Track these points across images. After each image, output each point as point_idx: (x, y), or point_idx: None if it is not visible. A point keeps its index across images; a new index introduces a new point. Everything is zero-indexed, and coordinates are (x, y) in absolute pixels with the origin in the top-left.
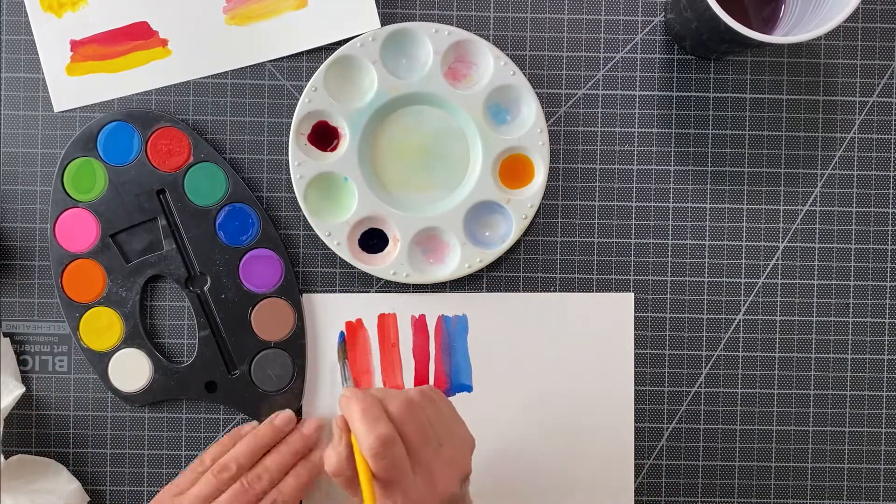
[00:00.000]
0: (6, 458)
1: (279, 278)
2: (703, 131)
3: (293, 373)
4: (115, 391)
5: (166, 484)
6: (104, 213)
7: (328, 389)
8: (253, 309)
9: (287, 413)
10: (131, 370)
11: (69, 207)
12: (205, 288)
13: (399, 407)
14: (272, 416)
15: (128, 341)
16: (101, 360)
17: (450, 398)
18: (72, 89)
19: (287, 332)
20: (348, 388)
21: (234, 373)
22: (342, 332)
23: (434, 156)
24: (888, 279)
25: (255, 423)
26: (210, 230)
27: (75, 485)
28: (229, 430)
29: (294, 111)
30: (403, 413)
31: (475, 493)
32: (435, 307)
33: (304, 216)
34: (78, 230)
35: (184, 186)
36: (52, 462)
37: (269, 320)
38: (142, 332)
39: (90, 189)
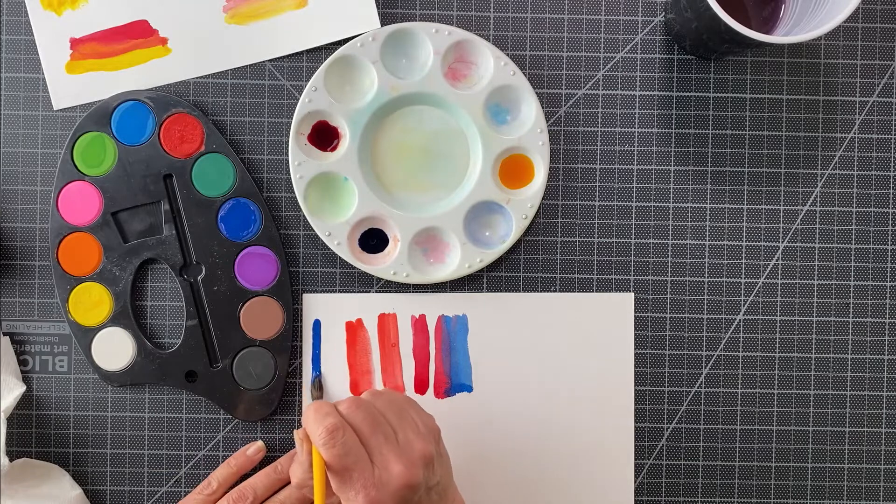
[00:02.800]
0: (10, 458)
1: (273, 278)
2: (703, 131)
3: (274, 373)
4: (96, 368)
5: (166, 484)
6: (109, 189)
7: (327, 398)
8: (243, 305)
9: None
10: (115, 349)
11: (75, 180)
12: (198, 278)
13: (347, 403)
14: (292, 451)
15: (115, 320)
16: (85, 335)
17: (450, 398)
18: (71, 87)
19: (274, 332)
20: (314, 403)
21: (216, 366)
22: (315, 375)
23: (434, 156)
24: (888, 279)
25: (259, 444)
26: (211, 221)
27: (77, 491)
28: (228, 430)
29: (294, 111)
30: (351, 406)
31: (475, 492)
32: (435, 307)
33: (304, 216)
34: (81, 203)
35: (191, 174)
36: (54, 467)
37: (257, 318)
38: (130, 313)
39: (99, 164)
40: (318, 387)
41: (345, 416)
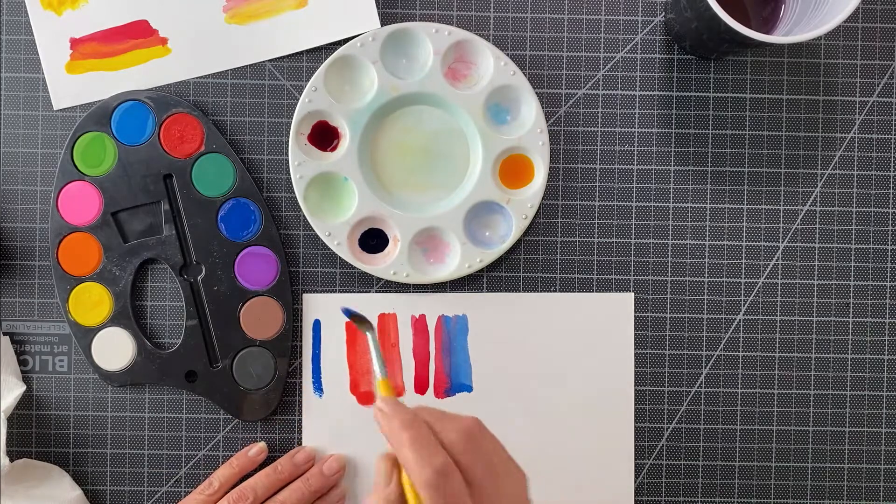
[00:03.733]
0: (10, 459)
1: (274, 278)
2: (703, 131)
3: (274, 373)
4: (96, 368)
5: (166, 484)
6: (109, 189)
7: (327, 398)
8: (243, 305)
9: (308, 450)
10: (115, 349)
11: (75, 180)
12: (198, 278)
13: (456, 436)
14: (293, 451)
15: (115, 320)
16: (85, 336)
17: (450, 398)
18: (71, 87)
19: (274, 332)
20: (387, 404)
21: (216, 366)
22: (346, 308)
23: (434, 156)
24: (888, 279)
25: (261, 444)
26: (212, 221)
27: (77, 492)
28: (228, 430)
29: (294, 111)
30: (462, 442)
31: None
32: (435, 307)
33: (304, 216)
34: (81, 203)
35: (191, 174)
36: (55, 468)
37: (257, 318)
38: (130, 313)
39: (98, 164)
40: (362, 321)
41: (453, 453)
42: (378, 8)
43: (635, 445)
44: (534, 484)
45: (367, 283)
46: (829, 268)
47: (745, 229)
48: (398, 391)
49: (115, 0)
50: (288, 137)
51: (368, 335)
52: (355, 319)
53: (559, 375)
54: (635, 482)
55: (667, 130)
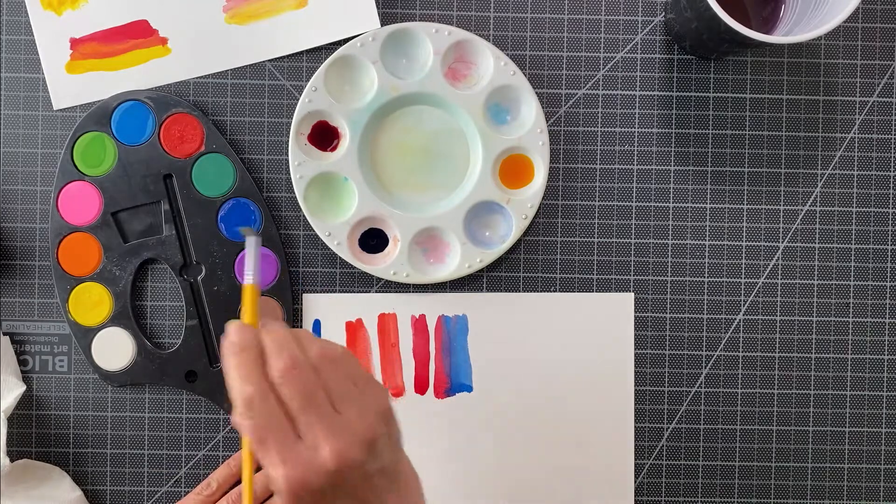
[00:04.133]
0: (10, 459)
1: (273, 278)
2: (703, 131)
3: None
4: (96, 368)
5: (166, 484)
6: (109, 189)
7: None
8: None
9: None
10: (115, 349)
11: (75, 180)
12: (198, 278)
13: (283, 365)
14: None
15: (115, 320)
16: (85, 336)
17: (450, 398)
18: (71, 87)
19: None
20: (235, 328)
21: (216, 366)
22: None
23: (434, 156)
24: (888, 279)
25: None
26: (212, 221)
27: (77, 493)
28: (228, 430)
29: (294, 111)
30: (286, 373)
31: (475, 491)
32: (435, 307)
33: (304, 216)
34: (81, 203)
35: (191, 174)
36: (55, 469)
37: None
38: (130, 313)
39: (98, 164)
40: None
41: (275, 384)
42: (378, 8)
43: (635, 445)
44: (533, 483)
45: (367, 283)
46: (829, 268)
47: (745, 229)
48: (398, 391)
49: (115, 0)
50: (288, 137)
51: (251, 239)
52: (244, 231)
53: (559, 375)
54: (635, 482)
55: (667, 130)
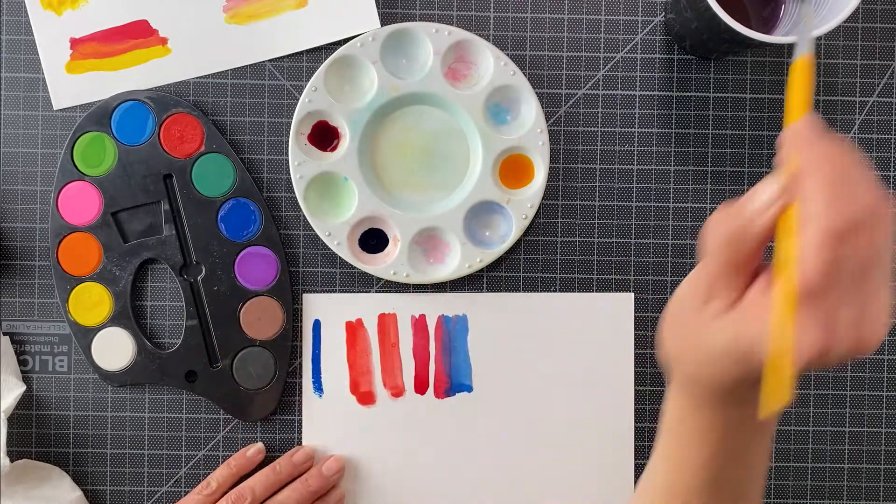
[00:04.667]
0: (10, 459)
1: (273, 278)
2: (703, 131)
3: (274, 373)
4: (96, 368)
5: (166, 484)
6: (109, 189)
7: (327, 398)
8: (243, 305)
9: (306, 450)
10: (115, 349)
11: (75, 180)
12: (198, 278)
13: (866, 202)
14: (291, 451)
15: (115, 320)
16: (85, 336)
17: (450, 398)
18: (71, 87)
19: (274, 332)
20: (805, 126)
21: (216, 366)
22: None
23: (434, 156)
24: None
25: (259, 445)
26: (212, 221)
27: (77, 493)
28: (228, 430)
29: (294, 111)
30: (871, 214)
31: (475, 491)
32: (435, 307)
33: (304, 216)
34: (81, 203)
35: (191, 174)
36: (55, 469)
37: (257, 318)
38: (130, 313)
39: (98, 164)
40: None
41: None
42: (378, 8)
43: (635, 445)
44: (534, 483)
45: (367, 283)
46: None
47: None
48: (398, 391)
49: (115, 0)
50: (288, 137)
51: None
52: None
53: (559, 375)
54: (635, 482)
55: (667, 130)
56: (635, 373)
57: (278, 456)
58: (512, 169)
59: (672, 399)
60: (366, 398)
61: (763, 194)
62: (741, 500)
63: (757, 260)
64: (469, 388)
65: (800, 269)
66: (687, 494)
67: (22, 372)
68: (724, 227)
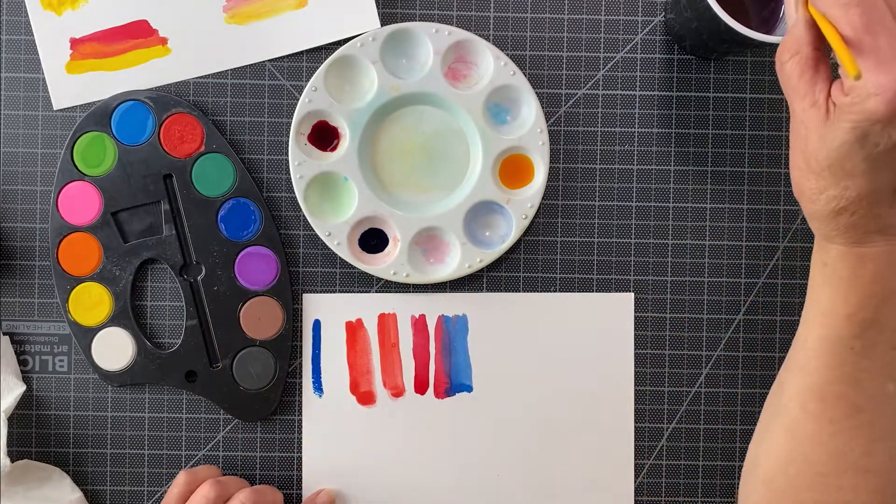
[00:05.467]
0: (10, 459)
1: (273, 278)
2: (703, 131)
3: (274, 373)
4: (96, 368)
5: (166, 484)
6: (109, 189)
7: (327, 398)
8: (243, 305)
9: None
10: (115, 349)
11: (75, 180)
12: (198, 278)
13: None
14: (315, 493)
15: (115, 320)
16: (85, 336)
17: (450, 398)
18: (71, 87)
19: (274, 332)
20: None
21: (216, 366)
22: None
23: (434, 156)
24: None
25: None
26: (211, 221)
27: (77, 494)
28: (228, 430)
29: (294, 111)
30: None
31: (475, 491)
32: (435, 307)
33: (304, 216)
34: (81, 203)
35: (191, 174)
36: (56, 470)
37: (257, 318)
38: (130, 313)
39: (98, 164)
40: None
41: None
42: (378, 8)
43: (635, 445)
44: (534, 483)
45: (367, 283)
46: None
47: (745, 229)
48: (398, 391)
49: (115, 0)
50: (288, 137)
51: None
52: None
53: (559, 375)
54: (635, 482)
55: (667, 130)
56: (635, 373)
57: (277, 456)
58: (512, 169)
59: (819, 253)
60: (366, 398)
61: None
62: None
63: (822, 61)
64: (469, 388)
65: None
66: (842, 345)
67: (22, 372)
68: (778, 51)
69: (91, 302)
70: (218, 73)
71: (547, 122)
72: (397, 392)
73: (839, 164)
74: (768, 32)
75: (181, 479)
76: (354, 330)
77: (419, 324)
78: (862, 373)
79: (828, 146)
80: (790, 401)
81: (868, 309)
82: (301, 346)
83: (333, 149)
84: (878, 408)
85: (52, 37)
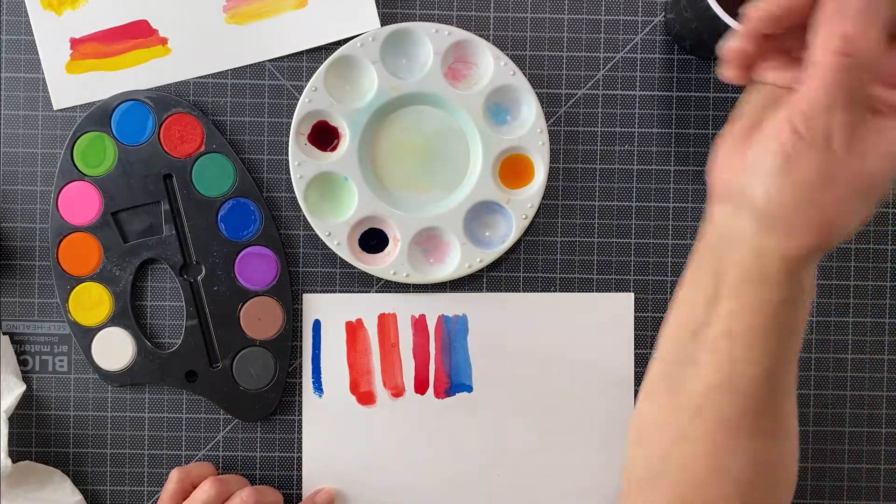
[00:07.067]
0: (11, 460)
1: (273, 278)
2: (703, 131)
3: (274, 373)
4: (96, 368)
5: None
6: (109, 189)
7: (327, 398)
8: (243, 305)
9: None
10: (115, 349)
11: (75, 180)
12: (198, 278)
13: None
14: (314, 492)
15: (115, 320)
16: (86, 336)
17: (450, 398)
18: (71, 87)
19: (274, 332)
20: None
21: (216, 366)
22: None
23: (434, 156)
24: (888, 279)
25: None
26: (211, 221)
27: (78, 497)
28: (228, 430)
29: (294, 111)
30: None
31: (475, 491)
32: (435, 307)
33: (304, 216)
34: (81, 203)
35: (191, 174)
36: (56, 472)
37: (257, 318)
38: (130, 313)
39: (98, 164)
40: None
41: None
42: (378, 8)
43: None
44: (534, 483)
45: (367, 283)
46: (829, 268)
47: None
48: (398, 391)
49: (115, 0)
50: (288, 137)
51: None
52: None
53: (559, 375)
54: None
55: (667, 130)
56: (635, 373)
57: (277, 456)
58: (512, 169)
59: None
60: (366, 398)
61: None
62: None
63: None
64: (469, 388)
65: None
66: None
67: (22, 372)
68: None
69: (91, 302)
70: (218, 73)
71: (547, 122)
72: (397, 392)
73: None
74: None
75: (174, 476)
76: (354, 330)
77: (419, 324)
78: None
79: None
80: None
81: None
82: (301, 346)
83: (333, 149)
84: None
85: (52, 37)
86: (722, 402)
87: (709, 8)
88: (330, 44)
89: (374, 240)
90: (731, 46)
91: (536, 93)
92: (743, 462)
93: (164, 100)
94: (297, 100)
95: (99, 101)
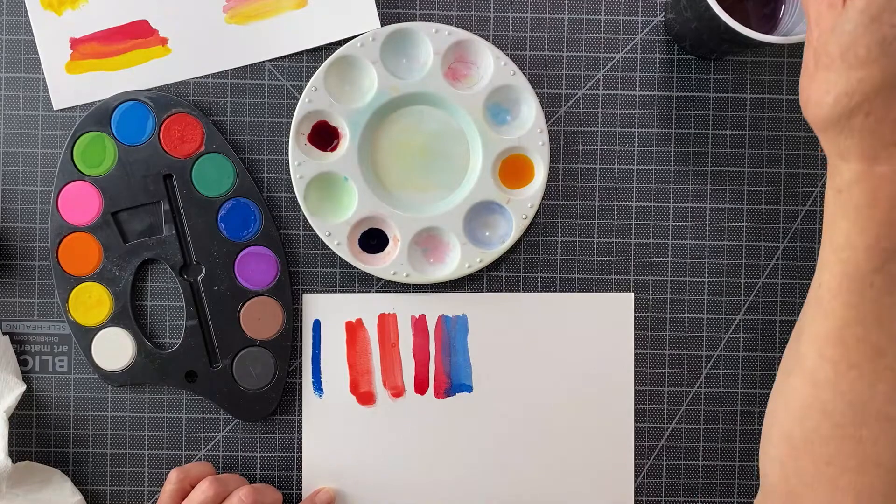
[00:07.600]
0: (11, 460)
1: (273, 278)
2: (703, 131)
3: (274, 373)
4: (96, 368)
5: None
6: (109, 189)
7: (327, 398)
8: (243, 305)
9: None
10: (115, 349)
11: (75, 180)
12: (198, 278)
13: None
14: (314, 492)
15: (115, 320)
16: (85, 335)
17: (450, 398)
18: (71, 87)
19: (274, 332)
20: None
21: (216, 366)
22: None
23: (434, 156)
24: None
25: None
26: (211, 221)
27: (77, 498)
28: (228, 430)
29: (294, 111)
30: None
31: (475, 491)
32: (435, 307)
33: (304, 216)
34: (81, 203)
35: (191, 174)
36: (56, 472)
37: (257, 318)
38: (130, 313)
39: (98, 164)
40: None
41: None
42: (378, 8)
43: (635, 445)
44: (534, 483)
45: (367, 283)
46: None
47: (745, 229)
48: (398, 391)
49: (115, 0)
50: (288, 137)
51: None
52: None
53: (559, 375)
54: (635, 482)
55: (667, 130)
56: (635, 373)
57: (276, 456)
58: (512, 169)
59: (832, 179)
60: (366, 398)
61: None
62: None
63: None
64: (469, 388)
65: None
66: (861, 282)
67: (22, 372)
68: None
69: (91, 302)
70: (218, 73)
71: (547, 122)
72: (397, 392)
73: (852, 51)
74: (768, 32)
75: (173, 476)
76: (354, 330)
77: (419, 324)
78: (884, 311)
79: (839, 32)
80: (807, 348)
81: (888, 239)
82: (301, 346)
83: (333, 149)
84: None
85: (52, 37)
86: None
87: (709, 8)
88: (330, 44)
89: (374, 240)
90: None
91: (536, 93)
92: None
93: (164, 100)
94: (297, 100)
95: (99, 101)
